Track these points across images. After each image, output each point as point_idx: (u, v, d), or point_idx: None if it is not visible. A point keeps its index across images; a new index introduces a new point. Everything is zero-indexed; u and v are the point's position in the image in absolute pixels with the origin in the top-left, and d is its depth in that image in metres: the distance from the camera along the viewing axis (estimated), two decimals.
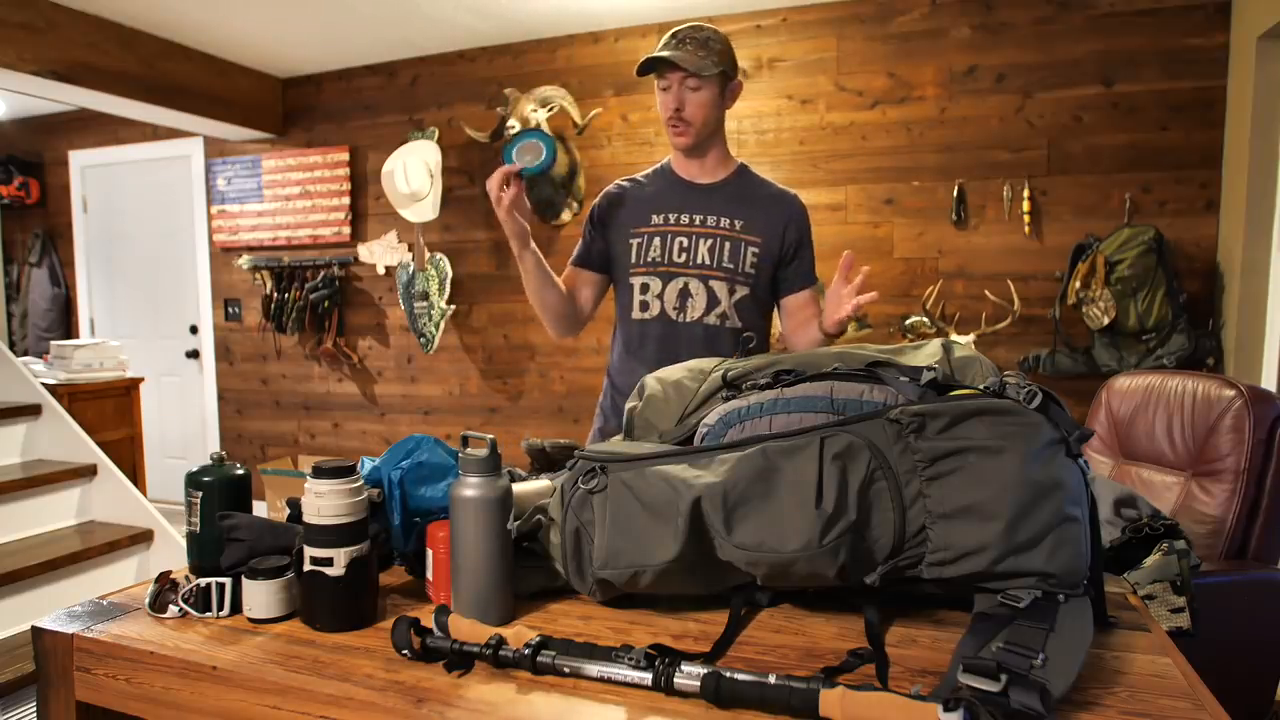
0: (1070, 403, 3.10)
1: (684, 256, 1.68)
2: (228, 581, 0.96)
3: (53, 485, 3.03)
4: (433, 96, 4.31)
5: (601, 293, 1.81)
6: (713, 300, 1.67)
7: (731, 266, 1.67)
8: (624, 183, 1.79)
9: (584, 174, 4.00)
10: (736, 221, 1.68)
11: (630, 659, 0.76)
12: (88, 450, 3.16)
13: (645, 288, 1.71)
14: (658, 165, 1.81)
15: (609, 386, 1.82)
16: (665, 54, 1.60)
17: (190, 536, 1.03)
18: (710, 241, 1.67)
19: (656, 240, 1.69)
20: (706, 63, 1.60)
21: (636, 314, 1.73)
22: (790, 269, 1.73)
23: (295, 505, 1.01)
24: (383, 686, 0.78)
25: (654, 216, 1.71)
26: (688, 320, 1.68)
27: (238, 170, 4.75)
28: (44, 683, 0.95)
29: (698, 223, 1.69)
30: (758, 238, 1.68)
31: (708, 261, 1.67)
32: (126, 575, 3.04)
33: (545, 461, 1.39)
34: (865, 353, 1.07)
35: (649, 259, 1.69)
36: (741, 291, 1.68)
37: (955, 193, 3.40)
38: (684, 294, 1.68)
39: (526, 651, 0.79)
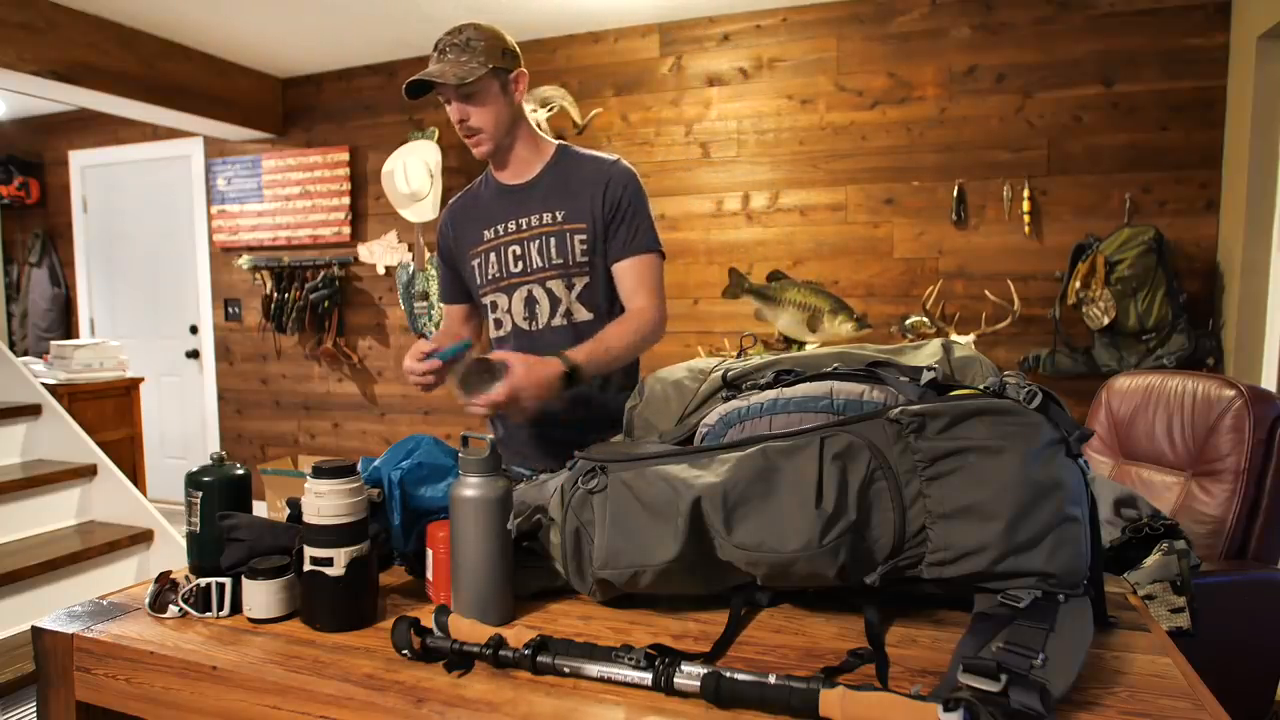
0: (1070, 403, 3.09)
1: (520, 265, 1.62)
2: (228, 581, 0.96)
3: (53, 485, 3.03)
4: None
5: (482, 316, 1.76)
6: (554, 301, 1.61)
7: (562, 261, 1.60)
8: (454, 203, 1.74)
9: None
10: (558, 213, 1.61)
11: (630, 659, 0.76)
12: (88, 450, 3.16)
13: (495, 305, 1.66)
14: (482, 175, 1.75)
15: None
16: (426, 74, 1.51)
17: (190, 536, 1.03)
18: (538, 242, 1.61)
19: (492, 256, 1.64)
20: (470, 67, 1.49)
21: (493, 332, 1.70)
22: (612, 235, 1.60)
23: (295, 505, 1.01)
24: (383, 686, 0.78)
25: (485, 232, 1.65)
26: (539, 328, 1.62)
27: (238, 170, 4.75)
28: (44, 683, 0.95)
29: (524, 226, 1.62)
30: (582, 223, 1.60)
31: (540, 264, 1.61)
32: (126, 575, 3.04)
33: None
34: (865, 353, 1.07)
35: (490, 276, 1.65)
36: (581, 283, 1.61)
37: (955, 193, 3.40)
38: (530, 302, 1.62)
39: (526, 651, 0.79)
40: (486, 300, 1.68)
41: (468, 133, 1.58)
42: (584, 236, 1.60)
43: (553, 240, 1.60)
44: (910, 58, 3.47)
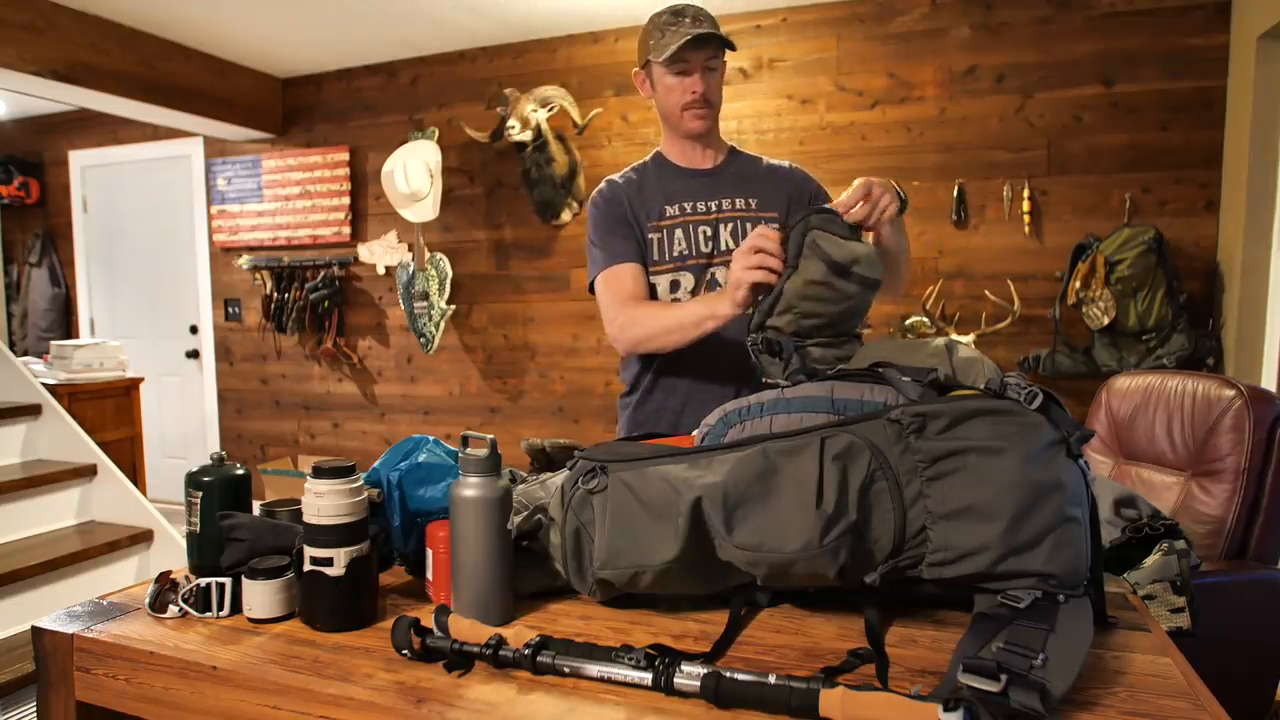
0: (1070, 403, 3.10)
1: (710, 246, 1.58)
2: (228, 581, 0.96)
3: (53, 485, 3.03)
4: (433, 96, 4.31)
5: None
6: None
7: None
8: (618, 178, 1.68)
9: (584, 174, 4.01)
10: (751, 200, 1.60)
11: (630, 659, 0.76)
12: (88, 450, 3.16)
13: (676, 285, 1.58)
14: (645, 160, 1.71)
15: (642, 392, 1.64)
16: (709, 31, 1.50)
17: (190, 536, 1.03)
18: (730, 225, 1.58)
19: (679, 233, 1.59)
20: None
21: None
22: None
23: (269, 511, 1.03)
24: (383, 686, 0.78)
25: (668, 208, 1.61)
26: None
27: (238, 170, 4.75)
28: (44, 683, 0.95)
29: (714, 209, 1.59)
30: (773, 212, 1.60)
31: (732, 246, 1.55)
32: (126, 575, 3.04)
33: (545, 461, 1.39)
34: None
35: (675, 253, 1.59)
36: None
37: (955, 193, 3.40)
38: (713, 286, 1.58)
39: (526, 651, 0.79)
40: (664, 279, 1.60)
41: (701, 104, 1.57)
42: (778, 226, 1.55)
43: (748, 225, 1.57)
44: (910, 58, 3.47)
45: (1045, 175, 3.31)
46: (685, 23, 1.52)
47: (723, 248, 1.58)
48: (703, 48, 1.53)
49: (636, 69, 1.64)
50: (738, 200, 1.60)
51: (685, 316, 1.46)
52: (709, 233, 1.59)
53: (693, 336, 1.45)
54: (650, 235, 1.60)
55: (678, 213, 1.60)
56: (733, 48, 1.57)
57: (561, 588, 1.00)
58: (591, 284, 1.65)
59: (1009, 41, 3.33)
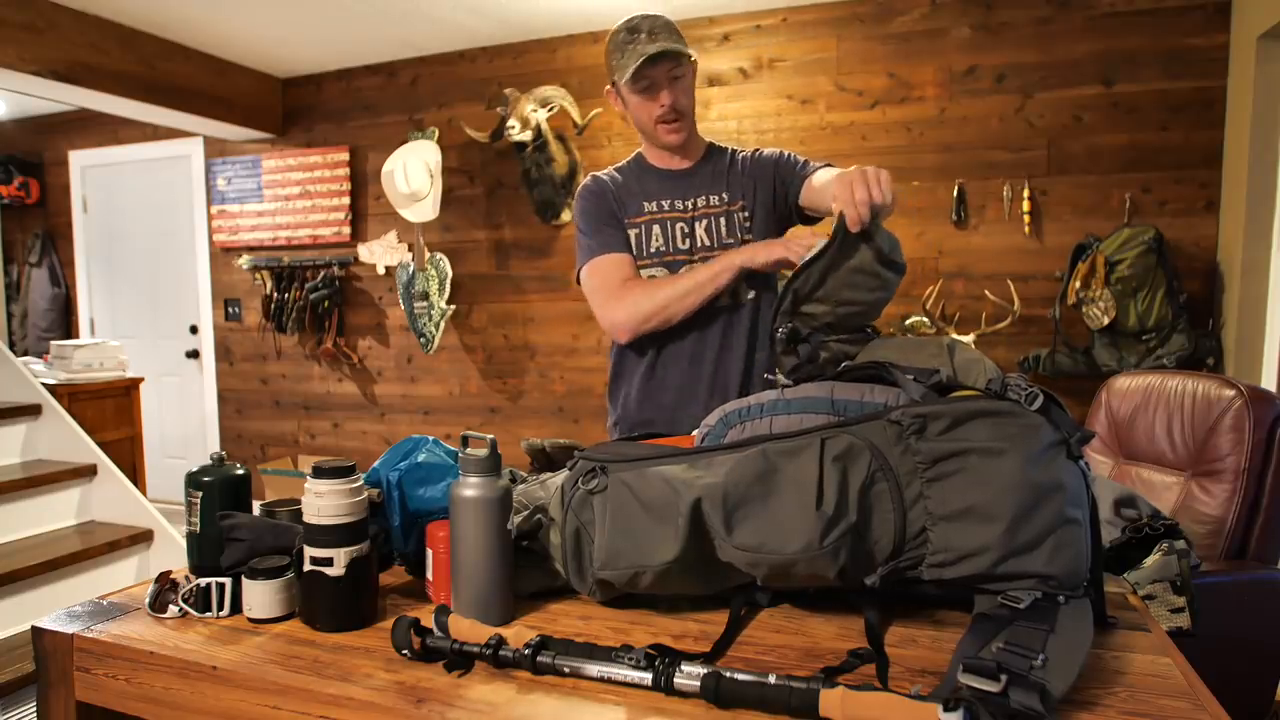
0: (1070, 403, 3.10)
1: (686, 243, 1.62)
2: (228, 581, 0.96)
3: (53, 485, 3.03)
4: (433, 96, 4.31)
5: None
6: None
7: (731, 241, 1.61)
8: (602, 174, 1.72)
9: (584, 174, 4.00)
10: (723, 195, 1.63)
11: (630, 659, 0.76)
12: (88, 450, 3.15)
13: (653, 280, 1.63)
14: (627, 160, 1.74)
15: (627, 393, 1.71)
16: (669, 48, 1.52)
17: (190, 536, 1.03)
18: (705, 222, 1.62)
19: (656, 228, 1.63)
20: (685, 47, 1.56)
21: None
22: (791, 179, 1.61)
23: (269, 510, 1.03)
24: (383, 686, 0.78)
25: (645, 204, 1.65)
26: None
27: (238, 170, 4.75)
28: (44, 683, 0.95)
29: (689, 206, 1.63)
30: (741, 201, 1.63)
31: (707, 243, 1.61)
32: (126, 575, 3.04)
33: (545, 461, 1.39)
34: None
35: (652, 249, 1.63)
36: None
37: (955, 193, 3.40)
38: None
39: (526, 651, 0.79)
40: (643, 274, 1.63)
41: (674, 116, 1.59)
42: (747, 214, 1.62)
43: (721, 220, 1.61)
44: (910, 58, 3.47)
45: (1045, 175, 3.31)
46: (640, 39, 1.55)
47: (699, 244, 1.62)
48: (662, 62, 1.55)
49: (608, 87, 1.68)
50: (711, 197, 1.64)
51: (700, 274, 1.53)
52: (686, 229, 1.63)
53: (709, 293, 1.53)
54: (629, 230, 1.65)
55: (655, 209, 1.65)
56: (690, 59, 1.57)
57: (561, 588, 1.00)
58: (579, 274, 1.68)
59: (1009, 41, 3.33)
